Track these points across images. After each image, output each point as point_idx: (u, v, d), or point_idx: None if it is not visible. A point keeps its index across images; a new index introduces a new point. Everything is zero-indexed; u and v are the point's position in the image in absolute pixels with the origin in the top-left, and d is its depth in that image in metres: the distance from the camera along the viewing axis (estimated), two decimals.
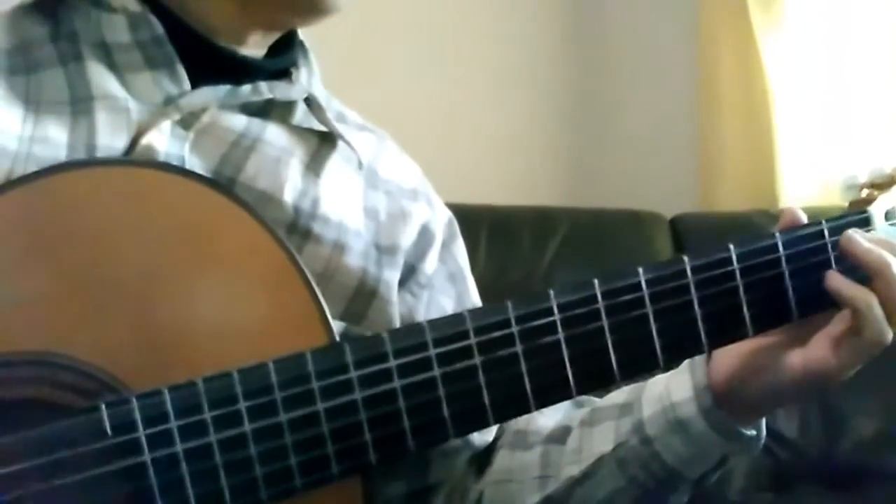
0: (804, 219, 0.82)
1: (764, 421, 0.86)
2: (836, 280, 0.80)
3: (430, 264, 0.96)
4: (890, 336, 0.80)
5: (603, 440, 0.88)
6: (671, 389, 0.86)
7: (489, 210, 2.00)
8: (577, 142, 2.36)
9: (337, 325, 0.84)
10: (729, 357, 0.83)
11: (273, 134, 0.88)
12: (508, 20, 2.30)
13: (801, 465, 1.88)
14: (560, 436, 0.92)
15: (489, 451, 0.96)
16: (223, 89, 0.86)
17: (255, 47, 0.90)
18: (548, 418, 0.94)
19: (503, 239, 1.96)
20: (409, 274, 0.95)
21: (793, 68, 2.09)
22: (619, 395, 0.90)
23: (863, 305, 0.78)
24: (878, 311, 0.78)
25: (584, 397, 0.94)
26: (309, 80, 0.93)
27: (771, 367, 0.82)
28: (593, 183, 2.33)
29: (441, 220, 0.99)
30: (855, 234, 0.81)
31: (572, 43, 2.34)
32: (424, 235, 0.96)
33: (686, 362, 0.86)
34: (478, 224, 1.94)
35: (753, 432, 0.85)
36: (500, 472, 0.94)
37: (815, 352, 0.80)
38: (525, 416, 0.93)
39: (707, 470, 0.86)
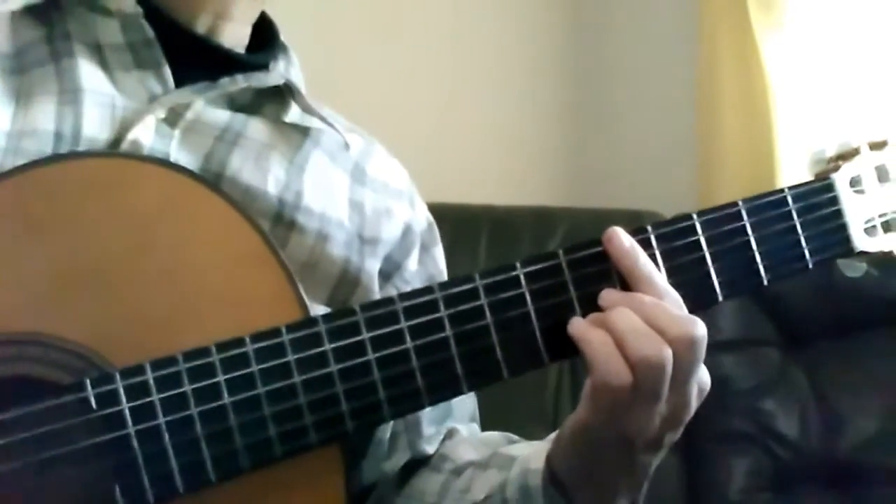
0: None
1: None
2: (574, 326, 0.75)
3: (413, 263, 0.99)
4: (621, 375, 0.72)
5: (482, 487, 0.88)
6: (534, 455, 0.83)
7: (489, 210, 2.01)
8: (576, 142, 2.36)
9: (323, 310, 0.86)
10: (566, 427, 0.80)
11: (255, 129, 0.91)
12: (508, 19, 2.31)
13: (801, 465, 1.88)
14: (462, 470, 0.92)
15: (420, 463, 0.96)
16: (202, 84, 0.88)
17: (232, 40, 0.92)
18: (471, 451, 0.94)
19: (503, 239, 1.96)
20: (395, 270, 0.98)
21: (793, 68, 2.09)
22: (523, 447, 0.89)
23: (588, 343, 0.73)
24: (604, 347, 0.73)
25: (516, 437, 0.94)
26: (287, 69, 0.96)
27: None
28: (593, 183, 2.33)
29: (420, 223, 1.01)
30: (617, 232, 0.77)
31: (572, 42, 2.35)
32: (408, 235, 0.99)
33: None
34: (478, 224, 1.94)
35: None
36: (411, 489, 0.95)
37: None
38: (453, 442, 0.96)
39: None
